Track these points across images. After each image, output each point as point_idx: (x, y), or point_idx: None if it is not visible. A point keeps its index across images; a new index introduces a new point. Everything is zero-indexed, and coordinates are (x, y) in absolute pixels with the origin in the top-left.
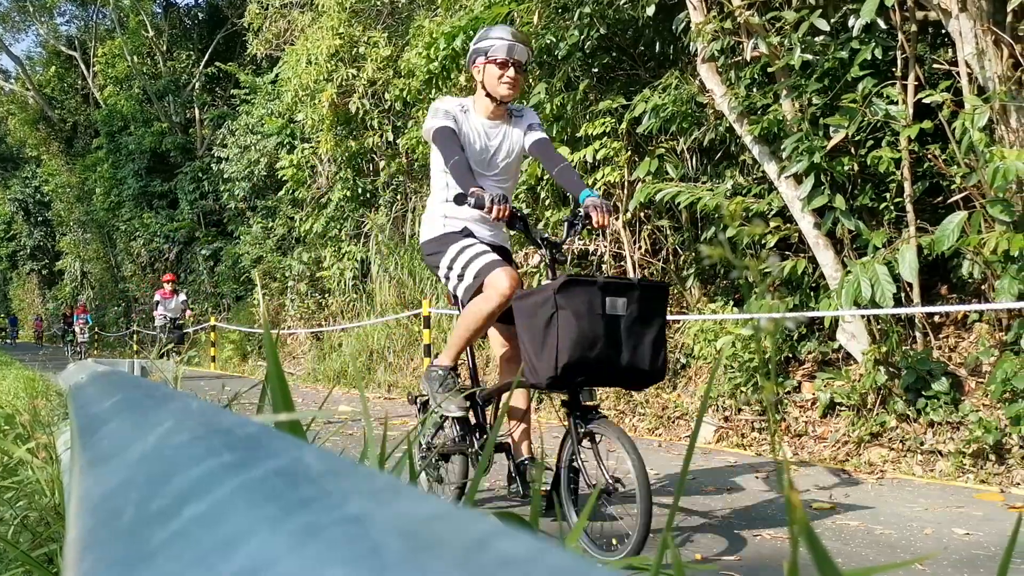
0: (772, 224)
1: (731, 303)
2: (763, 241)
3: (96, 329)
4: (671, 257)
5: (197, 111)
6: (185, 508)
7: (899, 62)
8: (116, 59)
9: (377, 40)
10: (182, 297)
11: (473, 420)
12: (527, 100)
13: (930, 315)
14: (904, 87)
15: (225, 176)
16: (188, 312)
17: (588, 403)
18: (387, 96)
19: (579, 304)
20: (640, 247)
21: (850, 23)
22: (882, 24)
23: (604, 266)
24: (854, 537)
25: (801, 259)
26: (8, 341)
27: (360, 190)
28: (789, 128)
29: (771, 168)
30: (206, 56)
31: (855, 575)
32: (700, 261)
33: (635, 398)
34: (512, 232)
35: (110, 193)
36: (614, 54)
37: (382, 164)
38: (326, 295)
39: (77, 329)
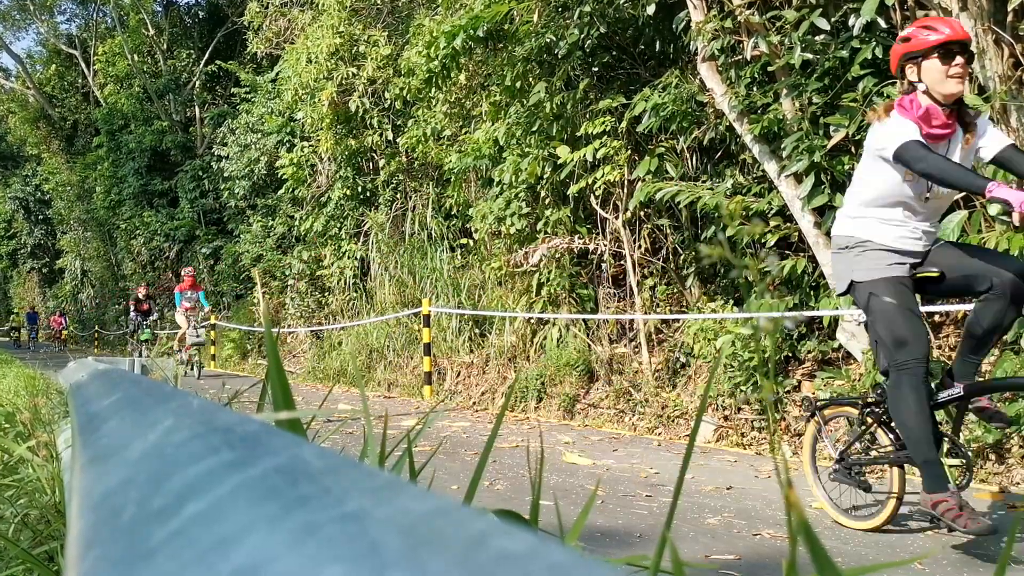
0: (772, 223)
1: (731, 302)
2: (763, 240)
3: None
4: (671, 256)
5: (197, 109)
6: (185, 506)
7: None
8: (116, 57)
9: (377, 39)
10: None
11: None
12: (526, 99)
13: (930, 314)
14: None
15: (225, 174)
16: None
17: None
18: (387, 95)
19: None
20: (640, 246)
21: (850, 22)
22: (882, 23)
23: (604, 265)
24: (853, 536)
25: (801, 258)
26: (21, 343)
27: (360, 189)
28: (789, 127)
29: (771, 167)
30: (206, 54)
31: (854, 574)
32: (700, 260)
33: (635, 397)
34: None
35: (110, 191)
36: (614, 53)
37: (382, 163)
38: (326, 294)
39: (181, 318)
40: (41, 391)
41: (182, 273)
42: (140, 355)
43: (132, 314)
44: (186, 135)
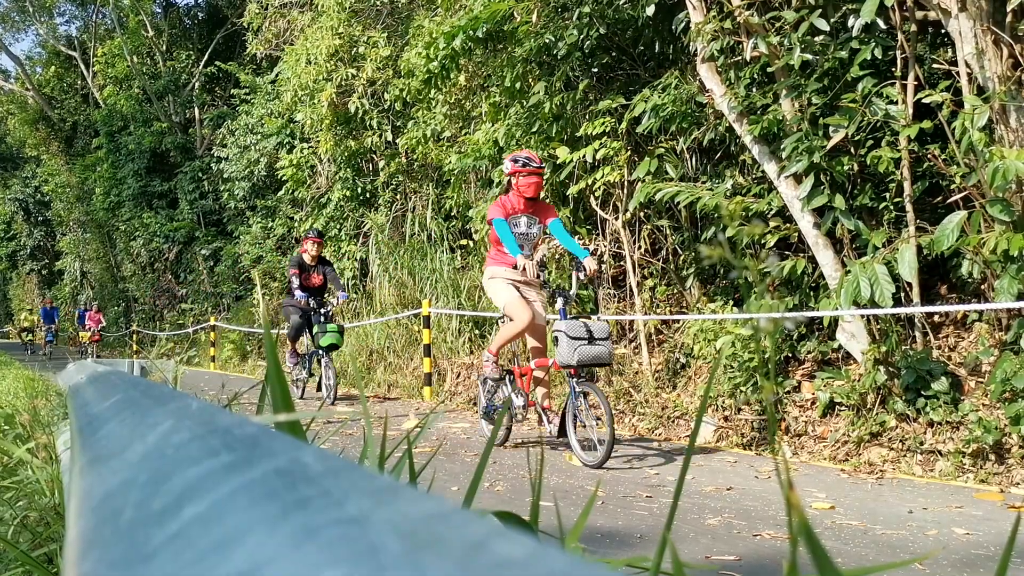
0: (772, 224)
1: (731, 303)
2: (763, 241)
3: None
4: (671, 257)
5: (197, 111)
6: (185, 508)
7: (899, 62)
8: (116, 59)
9: (377, 40)
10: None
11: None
12: (526, 100)
13: (930, 315)
14: (904, 87)
15: (225, 176)
16: None
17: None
18: (387, 96)
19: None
20: (640, 247)
21: (850, 23)
22: (882, 24)
23: (604, 266)
24: (854, 537)
25: (801, 259)
26: (31, 346)
27: (360, 190)
28: (789, 128)
29: (771, 168)
30: (206, 56)
31: (854, 574)
32: (700, 261)
33: (635, 398)
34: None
35: (110, 193)
36: (614, 54)
37: (381, 164)
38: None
39: (508, 292)
40: (40, 393)
41: (504, 167)
42: (310, 373)
43: (297, 294)
44: (185, 136)
